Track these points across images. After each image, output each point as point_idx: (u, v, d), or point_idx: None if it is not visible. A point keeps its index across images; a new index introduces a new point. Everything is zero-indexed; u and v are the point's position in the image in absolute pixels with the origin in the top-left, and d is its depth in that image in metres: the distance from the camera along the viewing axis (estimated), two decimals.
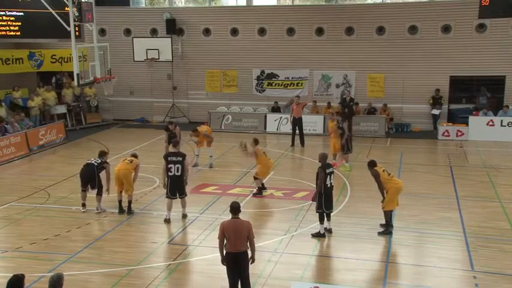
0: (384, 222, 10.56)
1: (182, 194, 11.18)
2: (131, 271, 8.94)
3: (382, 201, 10.44)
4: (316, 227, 10.47)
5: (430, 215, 11.47)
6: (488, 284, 8.46)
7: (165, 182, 11.10)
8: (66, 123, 21.24)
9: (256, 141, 13.08)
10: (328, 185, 10.24)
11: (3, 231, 10.92)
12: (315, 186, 13.44)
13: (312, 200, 10.77)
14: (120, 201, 11.77)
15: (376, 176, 10.38)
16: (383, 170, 10.52)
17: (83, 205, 11.91)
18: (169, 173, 10.97)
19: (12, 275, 6.11)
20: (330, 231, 10.49)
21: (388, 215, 10.49)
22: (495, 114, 19.63)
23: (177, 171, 10.94)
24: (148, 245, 10.15)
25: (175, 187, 11.00)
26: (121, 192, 11.71)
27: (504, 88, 20.43)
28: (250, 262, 7.67)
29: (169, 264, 9.24)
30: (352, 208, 12.00)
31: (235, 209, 7.65)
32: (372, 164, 10.57)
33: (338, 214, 11.59)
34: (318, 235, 10.32)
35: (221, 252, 7.66)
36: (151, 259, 9.48)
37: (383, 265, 9.15)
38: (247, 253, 7.61)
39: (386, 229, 10.46)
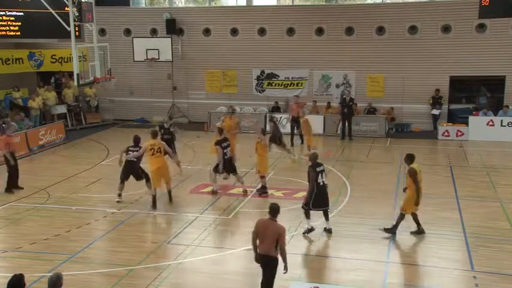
0: (393, 225, 10.33)
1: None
2: (131, 271, 8.94)
3: (417, 203, 10.13)
4: (313, 224, 10.47)
5: (430, 215, 11.45)
6: (488, 284, 8.46)
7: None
8: (66, 123, 21.24)
9: (263, 132, 13.34)
10: (321, 183, 10.24)
11: (3, 231, 10.92)
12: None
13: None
14: (154, 197, 11.97)
15: (412, 174, 10.07)
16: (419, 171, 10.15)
17: (119, 195, 12.35)
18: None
19: (12, 275, 6.10)
20: (329, 231, 10.48)
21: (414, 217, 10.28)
22: (495, 114, 19.62)
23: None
24: (148, 245, 10.15)
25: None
26: (155, 188, 12.04)
27: (504, 88, 20.42)
28: (283, 271, 7.35)
29: (170, 264, 9.24)
30: (352, 208, 12.00)
31: (273, 210, 7.45)
32: (410, 159, 10.25)
33: (338, 214, 11.59)
34: (308, 231, 10.35)
35: (254, 249, 7.48)
36: (152, 259, 9.47)
37: (383, 265, 9.15)
38: (273, 259, 7.30)
39: (419, 230, 10.26)
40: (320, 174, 10.22)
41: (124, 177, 12.37)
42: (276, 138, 16.33)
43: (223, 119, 16.06)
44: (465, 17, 19.97)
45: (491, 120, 19.30)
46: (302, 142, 18.42)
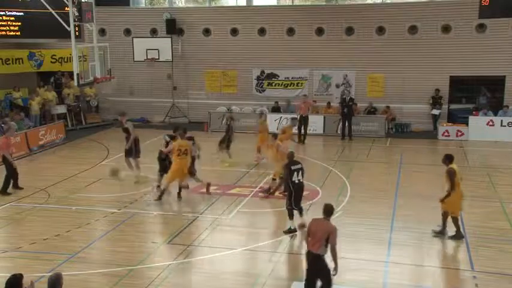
0: (438, 227, 10.29)
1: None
2: (131, 271, 8.94)
3: (442, 201, 10.03)
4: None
5: (430, 215, 11.45)
6: (488, 284, 8.46)
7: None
8: (66, 123, 21.23)
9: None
10: (297, 182, 10.31)
11: (3, 231, 10.92)
12: (314, 186, 13.51)
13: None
14: (164, 191, 12.42)
15: (451, 174, 9.93)
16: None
17: (158, 187, 12.73)
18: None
19: (10, 275, 6.09)
20: (305, 225, 10.56)
21: (455, 221, 10.12)
22: (495, 114, 19.62)
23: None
24: (148, 245, 10.15)
25: None
26: (168, 183, 12.40)
27: (504, 88, 20.42)
28: (332, 273, 7.27)
29: (170, 264, 9.24)
30: (352, 208, 11.99)
31: (327, 210, 7.45)
32: (449, 159, 10.15)
33: (338, 214, 11.57)
34: (289, 231, 10.41)
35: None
36: (152, 259, 9.47)
37: (383, 265, 9.15)
38: (320, 258, 7.25)
39: (458, 234, 10.11)
40: (296, 173, 10.32)
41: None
42: (226, 139, 16.00)
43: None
44: (465, 17, 19.98)
45: (491, 120, 19.30)
46: (303, 142, 18.73)
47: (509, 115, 19.43)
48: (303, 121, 19.10)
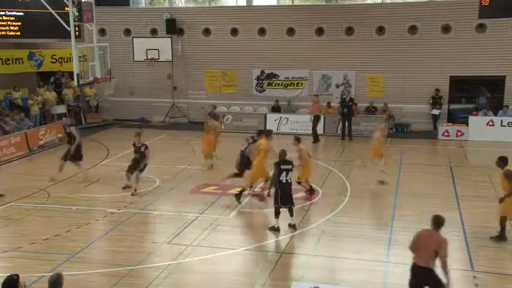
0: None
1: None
2: (131, 271, 8.94)
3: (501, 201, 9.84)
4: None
5: (430, 215, 11.41)
6: (488, 284, 8.46)
7: None
8: None
9: (298, 139, 12.79)
10: (284, 181, 10.36)
11: (3, 231, 10.91)
12: (315, 186, 13.50)
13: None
14: (243, 191, 12.33)
15: (508, 176, 9.81)
16: None
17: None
18: None
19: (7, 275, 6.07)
20: (294, 226, 10.62)
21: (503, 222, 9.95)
22: (495, 114, 19.62)
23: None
24: (148, 245, 10.15)
25: None
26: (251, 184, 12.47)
27: (504, 88, 20.42)
28: None
29: (170, 264, 9.24)
30: (352, 208, 11.99)
31: (436, 222, 7.32)
32: (504, 161, 10.01)
33: (338, 214, 11.59)
34: (273, 229, 10.47)
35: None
36: (152, 259, 9.47)
37: (383, 265, 9.15)
38: (430, 271, 7.04)
39: (501, 236, 9.96)
40: (285, 172, 10.35)
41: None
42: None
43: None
44: (465, 17, 19.97)
45: (491, 120, 19.30)
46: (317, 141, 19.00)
47: (509, 115, 19.43)
48: (316, 121, 19.42)
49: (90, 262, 9.31)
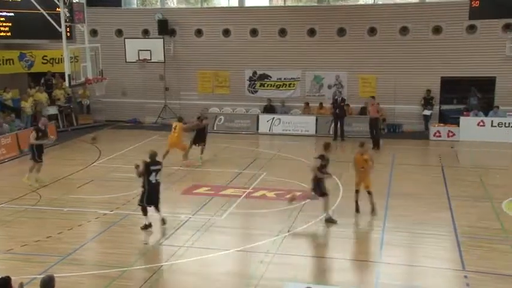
0: None
1: None
2: (123, 272, 8.91)
3: None
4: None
5: (421, 215, 11.53)
6: (478, 283, 8.52)
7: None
8: (58, 125, 21.11)
9: (362, 145, 11.86)
10: (153, 181, 10.55)
11: None
12: (308, 186, 13.52)
13: None
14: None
15: None
16: None
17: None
18: None
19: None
20: (163, 221, 10.83)
21: None
22: (486, 115, 19.77)
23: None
24: (140, 246, 10.12)
25: None
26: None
27: (494, 89, 20.58)
28: None
29: (162, 265, 9.22)
30: (344, 209, 12.01)
31: None
32: None
33: (330, 214, 11.61)
34: (145, 227, 10.62)
35: None
36: (144, 260, 9.45)
37: (375, 265, 9.19)
38: None
39: None
40: (154, 173, 10.55)
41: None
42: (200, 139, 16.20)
43: None
44: (456, 18, 20.10)
45: (482, 121, 19.44)
46: (377, 147, 17.92)
47: (499, 115, 19.58)
48: (373, 124, 18.28)
49: (82, 264, 9.27)
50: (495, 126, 19.27)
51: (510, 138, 18.75)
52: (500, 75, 20.38)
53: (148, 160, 10.68)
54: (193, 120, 16.65)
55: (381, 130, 20.87)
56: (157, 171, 10.63)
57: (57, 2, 17.46)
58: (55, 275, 6.46)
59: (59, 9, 17.25)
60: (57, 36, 17.36)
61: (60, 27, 16.89)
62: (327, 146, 11.37)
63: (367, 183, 11.61)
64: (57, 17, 17.32)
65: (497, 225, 10.90)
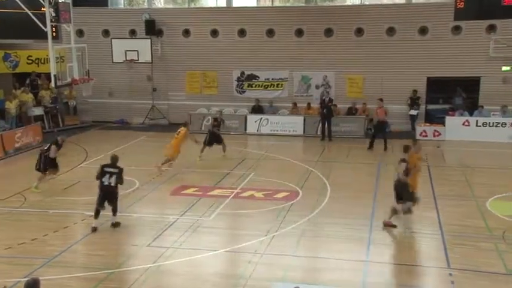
0: None
1: None
2: (110, 274, 8.86)
3: None
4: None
5: (408, 215, 11.60)
6: (463, 281, 8.62)
7: None
8: (43, 126, 20.90)
9: (406, 148, 11.26)
10: (105, 183, 10.63)
11: None
12: (295, 186, 13.59)
13: None
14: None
15: None
16: None
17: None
18: None
19: None
20: (114, 225, 10.89)
21: None
22: (470, 115, 19.99)
23: None
24: (128, 248, 10.07)
25: None
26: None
27: (479, 89, 20.81)
28: None
29: (150, 266, 9.18)
30: (332, 208, 12.08)
31: None
32: None
33: (318, 214, 11.67)
34: (93, 229, 10.68)
35: None
36: (131, 262, 9.39)
37: (363, 264, 9.24)
38: None
39: None
40: (108, 175, 10.63)
41: None
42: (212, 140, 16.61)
43: None
44: (441, 19, 20.30)
45: (467, 120, 19.66)
46: (385, 148, 17.82)
47: (484, 115, 19.82)
48: (379, 126, 18.20)
49: (68, 266, 9.18)
50: (480, 126, 19.49)
51: (494, 138, 18.99)
52: (484, 76, 20.63)
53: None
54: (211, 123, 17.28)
55: (369, 130, 21.07)
56: (111, 174, 10.65)
57: (42, 1, 17.29)
58: (40, 277, 6.41)
59: (45, 9, 17.07)
60: (42, 36, 17.17)
61: (46, 27, 16.71)
62: (407, 149, 11.05)
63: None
64: (42, 17, 17.14)
65: (482, 224, 11.03)
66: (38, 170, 13.51)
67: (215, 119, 17.33)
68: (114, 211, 10.95)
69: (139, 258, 9.57)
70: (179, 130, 15.68)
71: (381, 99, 18.78)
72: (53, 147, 13.56)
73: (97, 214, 10.79)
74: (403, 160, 10.81)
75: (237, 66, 22.52)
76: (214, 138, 16.80)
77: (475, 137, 19.14)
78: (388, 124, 19.26)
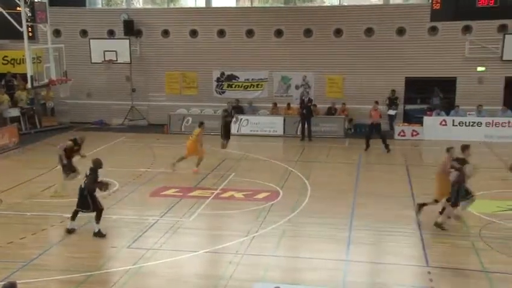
0: None
1: None
2: (90, 277, 8.76)
3: None
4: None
5: (387, 213, 11.77)
6: (441, 278, 8.76)
7: None
8: (20, 127, 20.54)
9: (449, 150, 10.91)
10: (81, 186, 10.50)
11: None
12: (275, 186, 13.63)
13: None
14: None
15: None
16: None
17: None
18: None
19: None
20: (69, 231, 10.63)
21: None
22: (447, 114, 20.34)
23: None
24: (107, 250, 9.97)
25: None
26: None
27: (455, 89, 21.18)
28: None
29: (130, 268, 9.10)
30: (312, 208, 12.15)
31: None
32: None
33: (298, 214, 11.73)
34: (68, 231, 10.56)
35: None
36: (111, 264, 9.31)
37: (343, 264, 9.33)
38: None
39: None
40: (85, 177, 10.55)
41: None
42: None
43: None
44: (418, 20, 20.60)
45: (444, 120, 19.99)
46: (388, 150, 17.82)
47: (460, 115, 20.19)
48: (374, 128, 18.17)
49: (47, 269, 9.05)
50: (456, 126, 19.85)
51: (470, 137, 19.28)
52: (460, 76, 21.01)
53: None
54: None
55: (349, 130, 21.28)
56: (86, 176, 10.54)
57: (18, 1, 17.00)
58: (18, 281, 6.31)
59: (20, 9, 16.79)
60: (18, 36, 16.89)
61: (21, 26, 16.44)
62: (465, 148, 10.77)
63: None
64: (18, 17, 16.86)
65: (459, 222, 11.20)
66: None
67: (225, 110, 17.73)
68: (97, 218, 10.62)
69: (119, 260, 9.49)
70: (194, 131, 15.63)
71: (377, 102, 18.86)
72: (69, 143, 12.97)
73: (74, 217, 10.65)
74: (460, 160, 10.44)
75: (216, 66, 22.49)
76: (228, 129, 17.39)
77: (452, 137, 19.35)
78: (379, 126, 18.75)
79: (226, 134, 17.41)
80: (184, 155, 15.24)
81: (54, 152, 17.77)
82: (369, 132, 18.41)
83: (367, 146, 18.22)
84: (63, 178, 13.06)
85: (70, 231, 10.58)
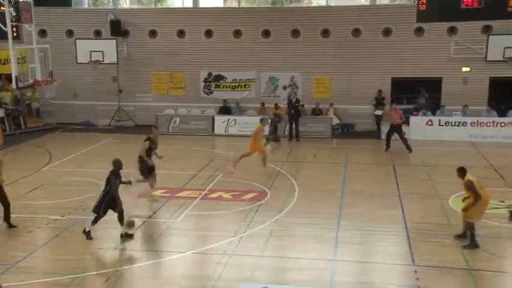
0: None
1: None
2: (76, 279, 8.68)
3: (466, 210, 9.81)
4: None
5: (374, 213, 11.84)
6: (428, 277, 8.83)
7: None
8: (4, 128, 20.30)
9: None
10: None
11: None
12: (263, 187, 13.64)
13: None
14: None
15: (470, 187, 9.69)
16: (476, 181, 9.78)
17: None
18: None
19: None
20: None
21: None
22: (433, 114, 20.53)
23: None
24: (94, 252, 9.89)
25: None
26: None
27: (441, 89, 21.39)
28: None
29: (117, 270, 9.04)
30: (300, 208, 12.18)
31: None
32: (462, 172, 9.88)
33: (286, 215, 11.76)
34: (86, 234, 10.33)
35: None
36: (98, 266, 9.23)
37: (330, 263, 9.36)
38: None
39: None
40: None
41: None
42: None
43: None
44: (404, 20, 20.76)
45: (430, 120, 20.17)
46: (410, 150, 17.70)
47: (446, 115, 20.40)
48: (397, 130, 17.88)
49: (32, 272, 8.94)
50: (442, 125, 20.04)
51: (456, 137, 19.57)
52: (446, 76, 21.23)
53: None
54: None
55: (336, 130, 21.38)
56: (107, 180, 10.40)
57: (1, 1, 16.81)
58: (3, 284, 6.24)
59: (4, 8, 16.60)
60: (2, 36, 16.68)
61: (6, 26, 16.25)
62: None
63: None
64: (2, 16, 16.66)
65: (445, 221, 11.34)
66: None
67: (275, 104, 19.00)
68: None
69: (106, 262, 9.43)
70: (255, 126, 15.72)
71: (394, 103, 18.78)
72: (145, 143, 12.56)
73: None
74: None
75: (204, 67, 22.44)
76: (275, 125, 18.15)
77: (438, 136, 19.67)
78: (400, 127, 18.24)
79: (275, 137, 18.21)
80: (247, 152, 15.34)
81: (39, 153, 17.71)
82: (390, 133, 18.18)
83: (388, 146, 18.09)
84: (152, 180, 12.71)
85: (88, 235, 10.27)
